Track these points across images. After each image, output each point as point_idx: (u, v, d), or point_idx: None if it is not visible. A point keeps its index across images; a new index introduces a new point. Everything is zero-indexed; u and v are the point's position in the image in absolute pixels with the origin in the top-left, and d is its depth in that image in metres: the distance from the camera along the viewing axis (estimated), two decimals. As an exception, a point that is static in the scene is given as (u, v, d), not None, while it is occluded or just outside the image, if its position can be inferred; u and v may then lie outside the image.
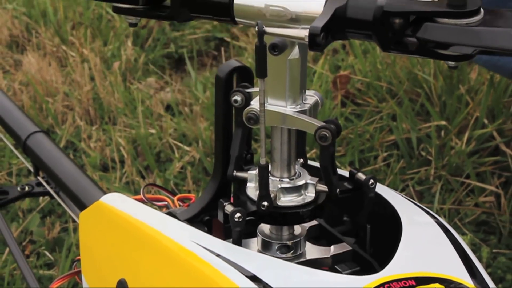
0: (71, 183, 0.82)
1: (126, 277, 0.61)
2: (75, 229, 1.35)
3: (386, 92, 1.46)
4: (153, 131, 1.55)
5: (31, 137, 0.90)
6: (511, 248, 1.21)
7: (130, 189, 1.31)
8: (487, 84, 1.50)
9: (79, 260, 0.76)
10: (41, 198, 1.25)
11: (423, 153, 1.53)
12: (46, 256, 1.21)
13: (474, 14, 0.48)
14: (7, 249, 1.27)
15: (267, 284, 0.50)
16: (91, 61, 1.63)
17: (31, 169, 0.96)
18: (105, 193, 0.75)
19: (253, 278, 0.51)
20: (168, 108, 1.63)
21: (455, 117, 1.49)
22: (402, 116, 1.42)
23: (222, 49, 1.89)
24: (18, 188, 1.02)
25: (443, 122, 1.41)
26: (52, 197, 1.02)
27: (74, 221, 1.35)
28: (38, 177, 0.95)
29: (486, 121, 1.49)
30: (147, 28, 1.81)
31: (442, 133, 1.48)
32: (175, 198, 0.69)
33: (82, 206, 0.78)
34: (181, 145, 1.58)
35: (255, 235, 0.60)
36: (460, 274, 0.54)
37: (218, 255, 0.53)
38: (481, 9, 0.49)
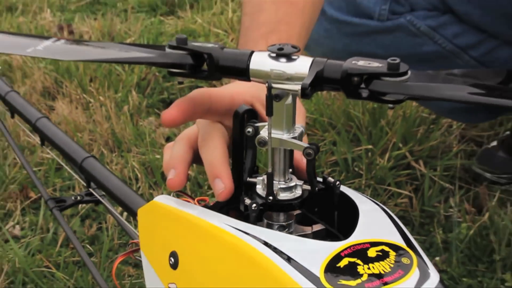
0: (119, 192, 0.93)
1: (177, 250, 0.68)
2: (107, 228, 1.42)
3: (328, 125, 1.59)
4: (158, 156, 1.59)
5: (85, 160, 1.00)
6: (421, 235, 1.35)
7: (143, 198, 1.40)
8: (401, 118, 1.62)
9: (132, 243, 0.85)
10: (79, 206, 1.38)
11: (356, 169, 1.54)
12: (86, 248, 1.33)
13: (404, 74, 0.57)
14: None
15: (278, 249, 0.59)
16: (107, 105, 1.75)
17: (84, 183, 1.04)
18: (142, 198, 0.90)
19: (267, 245, 0.59)
20: (168, 139, 1.68)
21: (379, 142, 1.58)
22: (340, 142, 1.53)
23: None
24: (72, 198, 1.10)
25: (370, 146, 1.53)
26: (99, 203, 1.10)
27: (106, 222, 1.46)
28: (90, 189, 1.04)
29: (401, 145, 1.58)
30: (146, 80, 1.91)
31: (370, 154, 1.53)
32: (195, 200, 0.73)
33: (128, 208, 0.91)
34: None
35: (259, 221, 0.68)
36: (399, 241, 0.60)
37: (246, 233, 0.61)
38: (409, 71, 0.58)
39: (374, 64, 0.58)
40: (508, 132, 1.60)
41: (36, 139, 1.15)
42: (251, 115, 0.66)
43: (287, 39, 0.82)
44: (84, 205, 1.40)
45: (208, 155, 0.66)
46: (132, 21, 2.30)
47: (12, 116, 1.18)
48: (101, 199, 1.05)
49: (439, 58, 1.35)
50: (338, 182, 0.65)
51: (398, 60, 0.57)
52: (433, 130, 1.65)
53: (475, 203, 1.48)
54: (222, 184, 0.65)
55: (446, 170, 1.55)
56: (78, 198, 1.09)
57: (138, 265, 1.34)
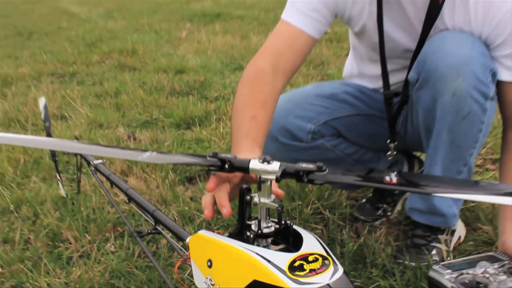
0: (173, 228, 1.16)
1: (211, 257, 0.86)
2: (162, 247, 1.63)
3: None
4: (186, 208, 1.83)
5: (155, 211, 1.24)
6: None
7: (186, 231, 1.30)
8: (316, 188, 1.83)
9: (184, 255, 1.04)
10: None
11: (293, 214, 1.72)
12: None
13: (324, 170, 0.83)
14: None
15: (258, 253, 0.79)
16: (157, 179, 1.98)
17: (153, 223, 1.27)
18: (186, 231, 1.10)
19: (258, 255, 0.79)
20: (191, 198, 1.94)
21: (305, 200, 1.79)
22: (285, 200, 1.78)
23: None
24: (146, 230, 1.31)
25: (300, 202, 1.75)
26: (160, 233, 1.29)
27: (160, 244, 1.65)
28: (157, 226, 1.27)
29: (316, 201, 1.78)
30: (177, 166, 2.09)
31: (300, 206, 1.73)
32: (217, 231, 0.92)
33: (178, 237, 1.12)
34: (198, 213, 1.82)
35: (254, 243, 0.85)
36: (323, 252, 0.80)
37: (247, 248, 0.81)
38: (327, 169, 0.83)
39: (310, 166, 0.82)
40: (370, 195, 1.85)
41: (125, 198, 1.44)
42: (248, 189, 0.88)
43: (256, 141, 1.09)
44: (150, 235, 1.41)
45: (218, 197, 0.91)
46: (167, 133, 2.70)
47: (112, 186, 1.51)
48: (162, 232, 1.28)
49: (338, 160, 1.63)
50: (291, 223, 0.85)
51: (321, 164, 0.82)
52: (333, 193, 1.87)
53: (356, 232, 1.70)
54: (225, 210, 0.89)
55: (340, 215, 1.78)
56: (149, 231, 1.32)
57: (184, 268, 1.49)
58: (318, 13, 1.32)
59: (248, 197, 0.86)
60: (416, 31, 1.36)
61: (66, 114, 3.12)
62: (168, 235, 1.28)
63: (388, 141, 1.55)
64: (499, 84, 1.29)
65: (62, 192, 1.92)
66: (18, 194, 2.05)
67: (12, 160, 2.35)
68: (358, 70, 1.64)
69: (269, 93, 1.20)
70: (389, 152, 1.56)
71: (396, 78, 1.47)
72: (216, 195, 0.90)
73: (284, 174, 0.82)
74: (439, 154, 1.33)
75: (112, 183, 1.46)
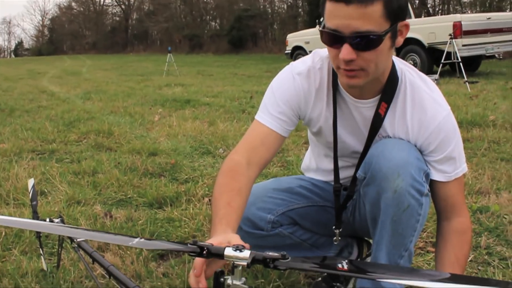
0: None
1: None
2: None
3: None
4: None
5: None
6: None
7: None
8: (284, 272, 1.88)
9: None
10: None
11: None
12: None
13: (287, 258, 0.91)
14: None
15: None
16: (134, 259, 2.06)
17: None
18: None
19: None
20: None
21: (267, 278, 1.84)
22: None
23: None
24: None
25: None
26: None
27: None
28: None
29: (278, 280, 1.83)
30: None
31: None
32: None
33: None
34: None
35: None
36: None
37: None
38: (289, 257, 0.92)
39: (275, 254, 0.91)
40: (325, 274, 1.84)
41: (106, 275, 1.42)
42: (222, 272, 0.97)
43: (229, 224, 1.18)
44: None
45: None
46: (141, 212, 2.73)
47: (93, 262, 1.51)
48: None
49: (295, 245, 1.74)
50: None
51: (285, 253, 0.92)
52: (292, 272, 1.95)
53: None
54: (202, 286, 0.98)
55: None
56: None
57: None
58: (285, 116, 1.48)
59: (222, 279, 0.94)
60: (363, 136, 1.53)
61: (46, 190, 3.13)
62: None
63: (334, 227, 1.67)
64: (432, 183, 1.46)
65: (44, 266, 1.94)
66: (-1, 266, 2.01)
67: (-7, 233, 2.31)
68: (315, 164, 1.78)
69: (244, 182, 1.33)
70: (334, 238, 1.68)
71: (345, 174, 1.63)
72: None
73: (253, 261, 0.92)
74: (384, 240, 1.45)
75: (94, 260, 1.50)
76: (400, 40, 1.32)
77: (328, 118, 1.52)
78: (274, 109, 1.48)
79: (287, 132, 1.50)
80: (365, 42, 1.23)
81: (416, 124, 1.44)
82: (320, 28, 1.30)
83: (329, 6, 1.25)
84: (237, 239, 1.03)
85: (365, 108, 1.48)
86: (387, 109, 1.45)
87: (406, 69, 1.48)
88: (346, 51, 1.24)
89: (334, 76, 1.47)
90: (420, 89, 1.45)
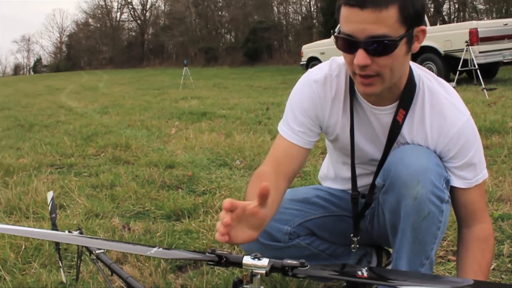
0: None
1: None
2: None
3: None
4: None
5: None
6: None
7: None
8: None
9: None
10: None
11: None
12: None
13: (306, 266, 0.90)
14: None
15: None
16: (151, 270, 2.03)
17: None
18: None
19: None
20: None
21: None
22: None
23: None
24: None
25: None
26: None
27: None
28: None
29: None
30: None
31: None
32: None
33: None
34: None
35: None
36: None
37: None
38: (308, 265, 0.91)
39: (294, 262, 0.91)
40: (344, 284, 1.85)
41: (125, 286, 1.45)
42: (240, 281, 0.96)
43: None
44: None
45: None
46: (158, 224, 2.72)
47: (112, 274, 1.55)
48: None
49: (313, 255, 1.72)
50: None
51: (303, 260, 0.91)
52: (311, 283, 1.92)
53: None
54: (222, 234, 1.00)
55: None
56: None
57: None
58: (305, 127, 1.48)
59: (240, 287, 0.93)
60: (381, 143, 1.51)
61: (65, 204, 3.15)
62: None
63: (352, 235, 1.65)
64: (452, 190, 1.44)
65: (63, 278, 1.96)
66: (19, 279, 2.06)
67: (13, 246, 2.35)
68: (333, 172, 1.77)
69: (273, 183, 1.32)
70: (352, 245, 1.66)
71: (363, 181, 1.61)
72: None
73: (272, 269, 0.91)
74: (405, 248, 1.43)
75: (113, 272, 1.49)
76: (416, 46, 1.31)
77: (345, 125, 1.51)
78: (293, 122, 1.49)
79: (310, 143, 1.51)
80: (379, 47, 1.22)
81: (435, 131, 1.43)
82: (335, 34, 1.29)
83: (344, 11, 1.24)
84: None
85: (383, 115, 1.47)
86: (405, 116, 1.44)
87: (424, 75, 1.47)
88: (361, 56, 1.24)
89: (352, 83, 1.46)
90: (439, 95, 1.43)
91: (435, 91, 1.44)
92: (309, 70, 1.53)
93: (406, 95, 1.43)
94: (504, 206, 2.77)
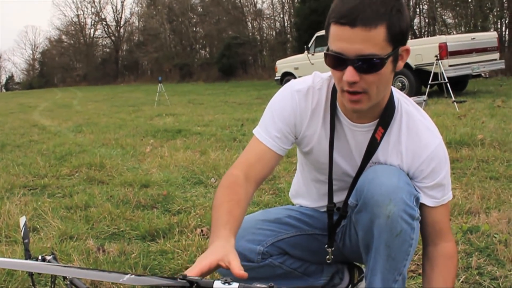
0: None
1: None
2: None
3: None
4: None
5: None
6: None
7: None
8: None
9: None
10: None
11: None
12: None
13: None
14: None
15: None
16: None
17: None
18: None
19: None
20: None
21: None
22: None
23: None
24: None
25: None
26: None
27: None
28: None
29: None
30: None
31: None
32: None
33: None
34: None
35: None
36: None
37: None
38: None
39: (263, 286, 0.93)
40: None
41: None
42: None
43: (231, 230, 1.23)
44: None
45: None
46: (133, 245, 2.69)
47: None
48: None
49: (285, 274, 1.75)
50: None
51: (272, 284, 0.94)
52: None
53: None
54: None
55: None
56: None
57: None
58: (282, 134, 1.52)
59: None
60: (354, 160, 1.57)
61: (38, 226, 3.13)
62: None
63: (326, 246, 1.69)
64: (421, 208, 1.50)
65: (37, 304, 1.94)
66: (-8, 305, 2.00)
67: (-15, 272, 2.30)
68: (304, 190, 1.80)
69: (242, 195, 1.38)
70: (327, 257, 1.70)
71: (336, 197, 1.66)
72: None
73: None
74: (378, 266, 1.47)
75: None
76: (400, 65, 1.37)
77: (322, 138, 1.55)
78: (271, 126, 1.52)
79: (283, 150, 1.54)
80: (368, 65, 1.27)
81: (410, 152, 1.49)
82: (324, 52, 1.35)
83: (334, 29, 1.29)
84: (235, 258, 1.09)
85: (360, 132, 1.52)
86: (383, 134, 1.49)
87: (402, 98, 1.54)
88: (350, 73, 1.28)
89: (333, 98, 1.51)
90: (415, 118, 1.50)
91: (412, 114, 1.51)
92: (292, 80, 1.59)
93: (386, 115, 1.49)
94: (473, 218, 2.85)
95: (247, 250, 1.63)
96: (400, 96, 1.54)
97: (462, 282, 2.10)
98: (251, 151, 1.52)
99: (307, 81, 1.56)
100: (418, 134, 1.48)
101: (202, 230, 2.89)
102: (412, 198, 1.43)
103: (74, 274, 1.35)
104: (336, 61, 1.31)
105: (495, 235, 2.55)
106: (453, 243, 1.55)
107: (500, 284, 2.06)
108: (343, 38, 1.27)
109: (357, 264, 1.99)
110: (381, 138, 1.49)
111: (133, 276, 1.01)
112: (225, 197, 1.35)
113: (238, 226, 1.29)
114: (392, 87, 1.50)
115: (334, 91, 1.51)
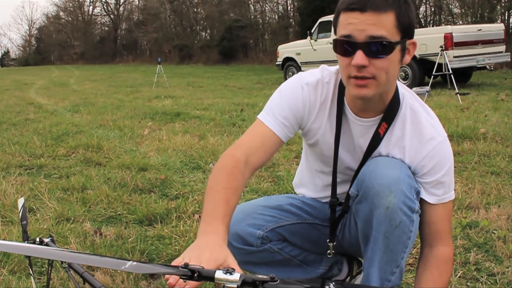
0: None
1: None
2: None
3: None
4: None
5: None
6: None
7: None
8: None
9: None
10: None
11: None
12: None
13: (276, 281, 0.94)
14: None
15: None
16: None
17: None
18: None
19: None
20: None
21: None
22: None
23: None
24: None
25: None
26: None
27: None
28: None
29: None
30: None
31: None
32: None
33: None
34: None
35: None
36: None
37: None
38: (278, 279, 0.94)
39: (264, 277, 0.95)
40: None
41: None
42: None
43: (227, 225, 1.22)
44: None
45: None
46: (131, 229, 2.71)
47: (84, 283, 1.54)
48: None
49: (284, 261, 1.74)
50: None
51: (273, 275, 0.94)
52: None
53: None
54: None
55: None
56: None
57: None
58: (288, 122, 1.52)
59: None
60: (357, 154, 1.59)
61: (34, 207, 3.14)
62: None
63: (328, 240, 1.71)
64: (422, 205, 1.50)
65: (34, 285, 1.95)
66: (-13, 286, 2.02)
67: (-19, 252, 2.36)
68: (308, 179, 1.81)
69: (241, 181, 1.35)
70: (328, 251, 1.72)
71: (338, 190, 1.67)
72: None
73: (243, 283, 0.95)
74: (376, 257, 1.49)
75: (85, 281, 1.49)
76: (407, 59, 1.40)
77: (327, 132, 1.57)
78: (279, 113, 1.51)
79: (287, 138, 1.54)
80: (377, 47, 1.29)
81: (412, 148, 1.50)
82: (333, 38, 1.36)
83: (343, 16, 1.32)
84: (233, 263, 1.07)
85: (364, 127, 1.54)
86: (386, 129, 1.51)
87: (407, 94, 1.55)
88: (360, 56, 1.29)
89: (340, 92, 1.52)
90: (419, 114, 1.52)
91: (417, 110, 1.52)
92: (300, 73, 1.59)
93: (390, 110, 1.51)
94: (473, 213, 2.87)
95: (247, 233, 1.65)
96: (405, 92, 1.55)
97: (459, 277, 2.12)
98: (255, 133, 1.50)
99: (315, 74, 1.56)
100: (422, 130, 1.50)
101: (199, 216, 2.90)
102: (413, 191, 1.44)
103: (75, 260, 1.37)
104: (346, 46, 1.32)
105: (494, 231, 2.57)
106: (451, 248, 1.55)
107: (497, 281, 2.09)
108: (353, 22, 1.29)
109: (356, 257, 2.01)
110: (384, 133, 1.51)
111: (135, 263, 1.01)
112: (224, 182, 1.33)
113: (231, 216, 1.29)
114: (398, 82, 1.52)
115: (341, 85, 1.51)
